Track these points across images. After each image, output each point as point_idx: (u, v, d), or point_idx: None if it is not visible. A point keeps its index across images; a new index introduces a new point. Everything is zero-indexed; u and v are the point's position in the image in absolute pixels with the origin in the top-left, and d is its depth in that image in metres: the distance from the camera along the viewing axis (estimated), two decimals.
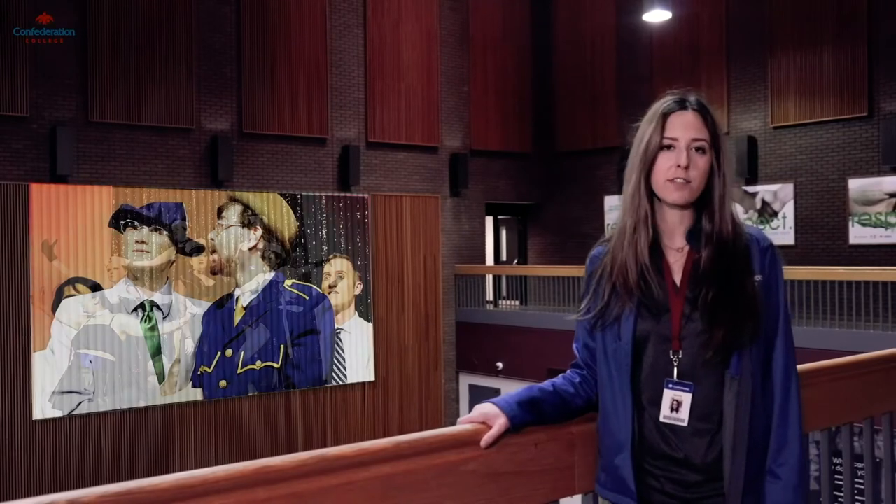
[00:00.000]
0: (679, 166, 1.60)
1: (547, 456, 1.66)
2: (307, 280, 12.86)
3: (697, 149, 1.62)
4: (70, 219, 10.93)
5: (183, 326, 11.75)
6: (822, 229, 11.80)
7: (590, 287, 1.72)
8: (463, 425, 1.58)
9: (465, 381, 14.58)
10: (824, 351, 7.46)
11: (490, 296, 15.37)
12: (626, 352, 1.63)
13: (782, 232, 12.16)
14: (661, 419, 1.61)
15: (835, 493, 2.36)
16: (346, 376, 13.10)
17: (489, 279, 15.28)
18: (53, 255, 10.82)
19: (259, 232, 12.45)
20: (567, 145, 15.16)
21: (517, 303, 15.02)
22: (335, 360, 13.06)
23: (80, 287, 11.01)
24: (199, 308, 11.87)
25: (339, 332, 13.10)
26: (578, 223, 14.78)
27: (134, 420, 11.31)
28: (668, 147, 1.62)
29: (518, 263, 16.31)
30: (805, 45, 11.97)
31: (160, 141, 11.72)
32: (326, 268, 13.05)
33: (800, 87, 12.05)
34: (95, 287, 11.11)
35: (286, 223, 12.70)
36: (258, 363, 12.33)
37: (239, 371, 12.16)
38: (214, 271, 12.05)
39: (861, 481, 2.49)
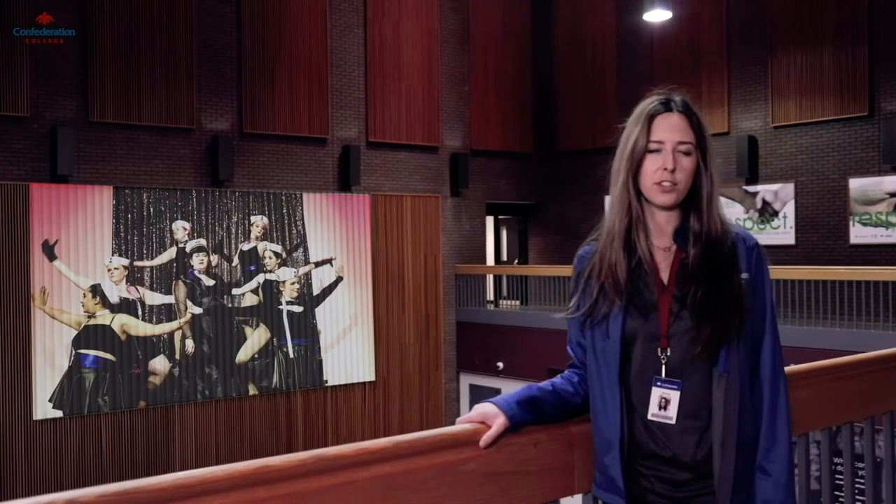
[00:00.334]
0: (666, 169, 1.61)
1: (547, 455, 1.66)
2: (307, 280, 12.86)
3: (683, 151, 1.63)
4: (70, 219, 10.94)
5: (183, 326, 11.75)
6: (823, 229, 11.80)
7: (578, 286, 1.73)
8: (462, 425, 1.58)
9: (466, 380, 14.58)
10: (825, 350, 7.46)
11: (490, 296, 15.37)
12: (614, 350, 1.64)
13: (783, 232, 12.16)
14: (650, 417, 1.62)
15: (835, 493, 2.35)
16: (346, 376, 13.10)
17: (490, 279, 15.29)
18: (54, 255, 10.83)
19: (259, 232, 12.45)
20: (567, 145, 15.16)
21: (517, 303, 15.01)
22: (336, 360, 13.05)
23: (81, 287, 11.01)
24: (199, 308, 11.87)
25: (340, 332, 13.10)
26: (579, 223, 14.77)
27: (134, 420, 11.31)
28: (655, 150, 1.63)
29: (518, 263, 16.31)
30: (805, 45, 11.97)
31: (160, 141, 11.72)
32: (327, 268, 13.05)
33: (800, 87, 12.04)
34: (96, 287, 11.11)
35: (286, 223, 12.69)
36: (259, 363, 12.33)
37: (239, 371, 12.16)
38: (215, 271, 12.05)
39: (862, 481, 2.48)
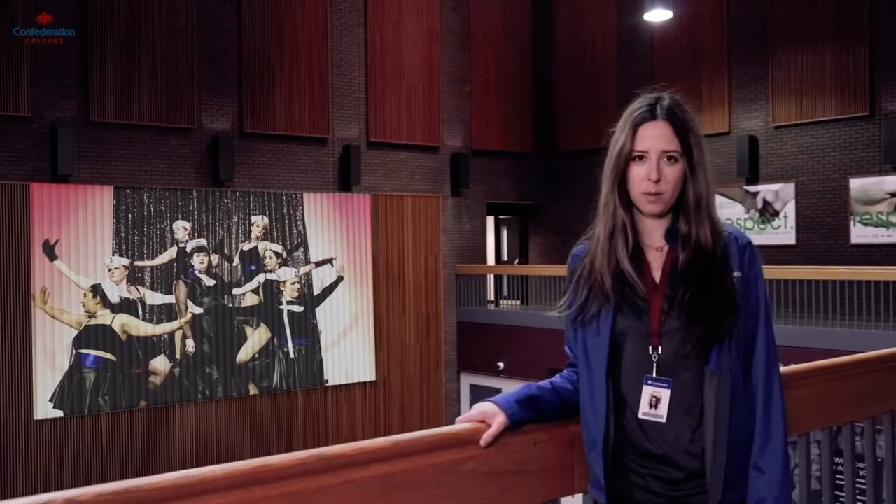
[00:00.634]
0: (650, 180, 1.61)
1: (546, 455, 1.66)
2: (308, 280, 12.86)
3: (669, 158, 1.63)
4: (71, 218, 10.94)
5: (184, 326, 11.75)
6: (824, 229, 11.79)
7: (570, 285, 1.75)
8: (462, 424, 1.57)
9: (466, 380, 14.58)
10: (825, 350, 7.45)
11: (491, 295, 15.36)
12: (603, 347, 1.65)
13: (783, 231, 12.15)
14: (640, 416, 1.62)
15: (836, 493, 2.35)
16: (346, 376, 13.10)
17: (490, 279, 15.28)
18: (54, 255, 10.83)
19: (260, 232, 12.45)
20: (568, 145, 15.15)
21: (518, 303, 15.01)
22: (336, 360, 13.05)
23: (81, 286, 11.01)
24: (199, 308, 11.87)
25: (340, 332, 13.10)
26: (579, 223, 14.68)
27: (135, 420, 11.31)
28: (640, 157, 1.64)
29: (519, 263, 16.31)
30: (806, 45, 11.96)
31: (161, 141, 11.72)
32: (327, 267, 13.05)
33: (801, 87, 12.04)
34: (96, 287, 11.12)
35: (287, 223, 12.69)
36: (259, 363, 12.33)
37: (240, 371, 12.16)
38: (215, 271, 12.05)
39: (862, 481, 2.48)
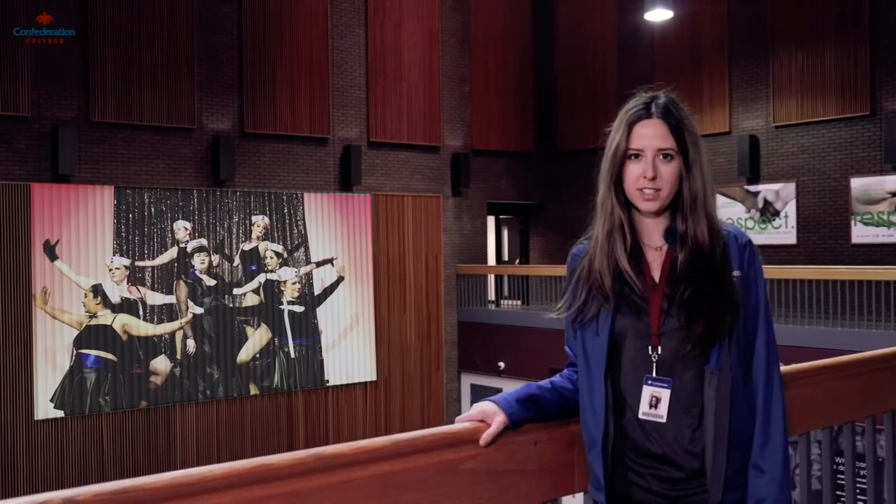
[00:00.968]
0: (646, 178, 1.61)
1: (546, 454, 1.66)
2: (308, 280, 12.86)
3: (664, 156, 1.63)
4: (72, 219, 10.94)
5: (184, 326, 11.75)
6: (824, 228, 11.78)
7: (569, 285, 1.75)
8: (462, 423, 1.57)
9: (467, 380, 14.58)
10: (826, 350, 7.45)
11: (492, 295, 15.36)
12: (602, 347, 1.64)
13: (784, 231, 12.15)
14: (640, 416, 1.61)
15: (837, 492, 2.35)
16: (347, 376, 13.10)
17: (491, 279, 15.28)
18: (55, 255, 10.83)
19: (260, 232, 12.45)
20: (568, 145, 15.15)
21: (519, 302, 15.01)
22: (337, 360, 13.05)
23: (82, 286, 11.01)
24: (200, 308, 11.87)
25: (341, 332, 13.10)
26: (580, 223, 14.64)
27: (135, 420, 11.31)
28: (636, 156, 1.64)
29: (520, 263, 16.30)
30: (807, 44, 11.96)
31: (162, 141, 11.72)
32: (328, 267, 13.04)
33: (802, 86, 12.03)
34: (97, 287, 11.12)
35: (288, 223, 12.69)
36: (260, 363, 12.33)
37: (240, 371, 12.16)
38: (216, 271, 12.05)
39: (863, 481, 2.48)
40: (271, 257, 12.51)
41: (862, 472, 2.54)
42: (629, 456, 1.63)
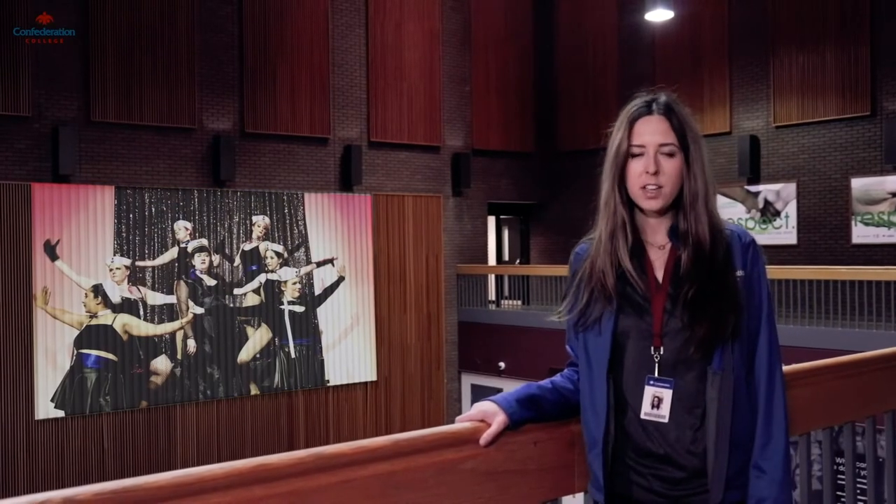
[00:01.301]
0: (648, 173, 1.61)
1: (546, 454, 1.66)
2: (309, 280, 12.86)
3: (666, 153, 1.63)
4: (72, 219, 10.94)
5: (185, 326, 11.75)
6: (825, 229, 11.78)
7: (571, 286, 1.74)
8: (462, 423, 1.57)
9: (468, 380, 14.58)
10: (826, 350, 7.45)
11: (492, 295, 15.36)
12: (604, 347, 1.64)
13: (785, 231, 12.14)
14: (643, 416, 1.61)
15: (837, 493, 2.35)
16: (347, 376, 13.09)
17: (491, 279, 15.28)
18: (56, 255, 10.83)
19: (261, 232, 12.45)
20: (569, 145, 15.15)
21: (519, 302, 15.01)
22: (337, 360, 13.05)
23: (83, 286, 11.01)
24: (200, 308, 11.88)
25: (341, 332, 13.10)
26: (580, 223, 14.62)
27: (136, 420, 11.31)
28: (637, 154, 1.64)
29: (520, 263, 16.30)
30: (807, 44, 11.95)
31: (162, 141, 11.72)
32: (328, 267, 13.04)
33: (802, 87, 12.03)
34: (97, 287, 11.12)
35: (288, 223, 12.69)
36: (260, 363, 12.33)
37: (241, 371, 12.16)
38: (216, 271, 12.05)
39: (863, 481, 2.48)
40: (272, 257, 12.51)
41: (862, 473, 2.53)
42: (630, 456, 1.63)
